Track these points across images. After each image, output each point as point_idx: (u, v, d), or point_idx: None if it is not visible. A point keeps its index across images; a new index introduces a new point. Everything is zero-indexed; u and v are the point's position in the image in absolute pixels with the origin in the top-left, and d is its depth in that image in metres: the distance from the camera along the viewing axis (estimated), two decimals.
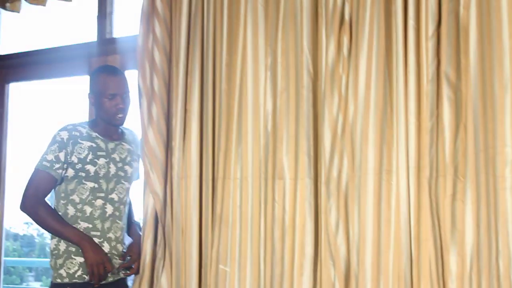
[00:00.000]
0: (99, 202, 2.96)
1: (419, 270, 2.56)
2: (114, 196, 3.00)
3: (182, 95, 3.06)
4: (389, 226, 2.62)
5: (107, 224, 2.97)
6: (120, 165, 3.04)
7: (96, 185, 2.96)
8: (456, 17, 2.57)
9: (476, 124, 2.49)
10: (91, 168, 2.95)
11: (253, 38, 2.94)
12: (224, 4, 3.02)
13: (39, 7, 3.76)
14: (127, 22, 3.76)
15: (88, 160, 2.95)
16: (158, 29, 3.12)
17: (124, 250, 3.04)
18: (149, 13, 3.15)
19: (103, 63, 3.60)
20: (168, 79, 3.13)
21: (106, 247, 2.94)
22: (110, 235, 2.97)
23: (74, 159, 2.93)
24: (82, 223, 2.93)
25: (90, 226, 2.94)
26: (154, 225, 3.10)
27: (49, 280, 3.03)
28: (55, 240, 2.95)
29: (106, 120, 3.01)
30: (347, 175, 2.73)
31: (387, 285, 2.60)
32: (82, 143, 2.95)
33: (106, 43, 3.66)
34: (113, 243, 2.98)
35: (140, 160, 3.14)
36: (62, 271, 2.91)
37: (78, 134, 2.96)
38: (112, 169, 3.01)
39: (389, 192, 2.64)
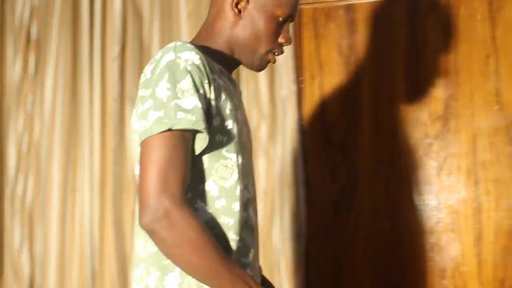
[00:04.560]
0: (251, 194, 1.52)
1: (103, 283, 2.65)
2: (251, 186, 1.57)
3: None
4: (74, 242, 2.68)
5: (256, 244, 1.53)
6: (247, 128, 1.59)
7: (245, 161, 1.50)
8: (140, 39, 2.71)
9: None
10: (234, 128, 1.46)
11: None
12: None
13: None
14: None
15: (228, 112, 1.45)
16: None
17: None
18: None
19: None
20: None
21: None
22: (258, 263, 1.58)
23: (212, 109, 1.42)
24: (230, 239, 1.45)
25: (249, 247, 1.48)
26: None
27: None
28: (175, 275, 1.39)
29: (247, 55, 1.56)
30: (32, 192, 2.73)
31: None
32: (216, 80, 1.44)
33: None
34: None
35: None
36: None
37: (208, 62, 1.45)
38: (245, 132, 1.55)
39: (73, 209, 2.69)
